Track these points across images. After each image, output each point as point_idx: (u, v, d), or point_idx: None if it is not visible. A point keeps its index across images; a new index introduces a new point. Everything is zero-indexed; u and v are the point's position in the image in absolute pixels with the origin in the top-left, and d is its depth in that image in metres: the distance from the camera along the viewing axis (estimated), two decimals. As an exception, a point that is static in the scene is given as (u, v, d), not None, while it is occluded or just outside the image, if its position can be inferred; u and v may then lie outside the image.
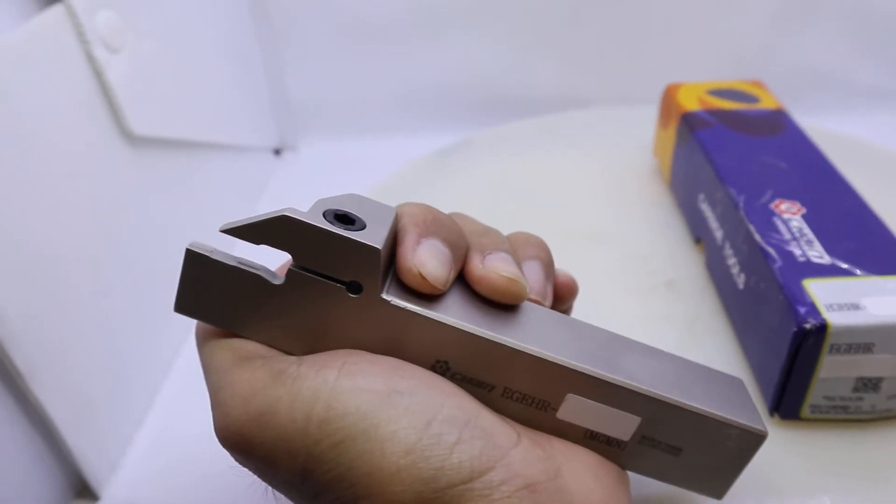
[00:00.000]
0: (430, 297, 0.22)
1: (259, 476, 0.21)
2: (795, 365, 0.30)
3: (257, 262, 0.21)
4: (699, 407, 0.23)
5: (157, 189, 0.41)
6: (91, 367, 0.34)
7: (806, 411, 0.31)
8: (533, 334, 0.23)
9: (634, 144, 0.53)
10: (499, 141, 0.55)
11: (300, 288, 0.21)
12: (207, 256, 0.21)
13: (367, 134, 0.61)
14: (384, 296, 0.21)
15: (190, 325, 0.43)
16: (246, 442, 0.20)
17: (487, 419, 0.21)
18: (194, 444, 0.37)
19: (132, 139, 0.39)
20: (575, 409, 0.23)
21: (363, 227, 0.21)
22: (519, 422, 0.23)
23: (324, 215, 0.20)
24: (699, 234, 0.42)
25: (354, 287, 0.21)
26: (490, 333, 0.22)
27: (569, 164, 0.52)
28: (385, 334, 0.21)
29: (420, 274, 0.21)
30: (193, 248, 0.21)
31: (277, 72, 0.59)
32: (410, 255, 0.21)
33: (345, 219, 0.21)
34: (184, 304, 0.22)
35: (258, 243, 0.20)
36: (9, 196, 0.29)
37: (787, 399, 0.31)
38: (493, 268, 0.22)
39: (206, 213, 0.48)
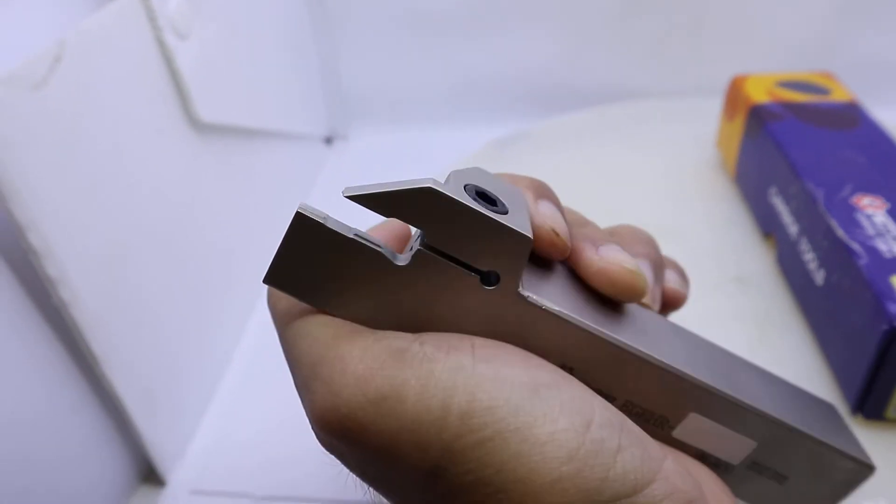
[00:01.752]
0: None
1: (361, 470, 0.19)
2: (883, 364, 0.29)
3: (375, 237, 0.18)
4: (816, 435, 0.21)
5: (219, 177, 0.41)
6: (159, 353, 0.34)
7: (891, 412, 0.30)
8: (654, 342, 0.20)
9: (694, 137, 0.52)
10: (555, 132, 0.54)
11: (426, 271, 0.18)
12: (321, 224, 0.18)
13: (419, 124, 0.60)
14: (522, 291, 0.18)
15: (251, 308, 0.43)
16: (360, 429, 0.17)
17: (633, 425, 0.19)
18: (258, 429, 0.37)
19: (199, 126, 0.39)
20: (693, 428, 0.21)
21: (506, 210, 0.18)
22: None
23: (465, 190, 0.18)
24: (769, 228, 0.41)
25: (490, 278, 0.18)
26: (622, 340, 0.19)
27: (628, 157, 0.51)
28: (510, 331, 0.19)
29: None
30: (305, 213, 0.18)
31: (331, 60, 0.59)
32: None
33: (486, 198, 0.18)
34: (278, 276, 0.19)
35: (389, 216, 0.17)
36: (83, 182, 0.29)
37: (873, 399, 0.30)
38: (613, 259, 0.20)
39: (262, 200, 0.48)
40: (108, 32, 0.31)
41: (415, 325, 0.19)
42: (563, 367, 0.19)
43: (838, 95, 0.44)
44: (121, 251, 0.31)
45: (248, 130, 0.46)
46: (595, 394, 0.19)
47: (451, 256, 0.18)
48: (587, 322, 0.19)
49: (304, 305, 0.19)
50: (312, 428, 0.18)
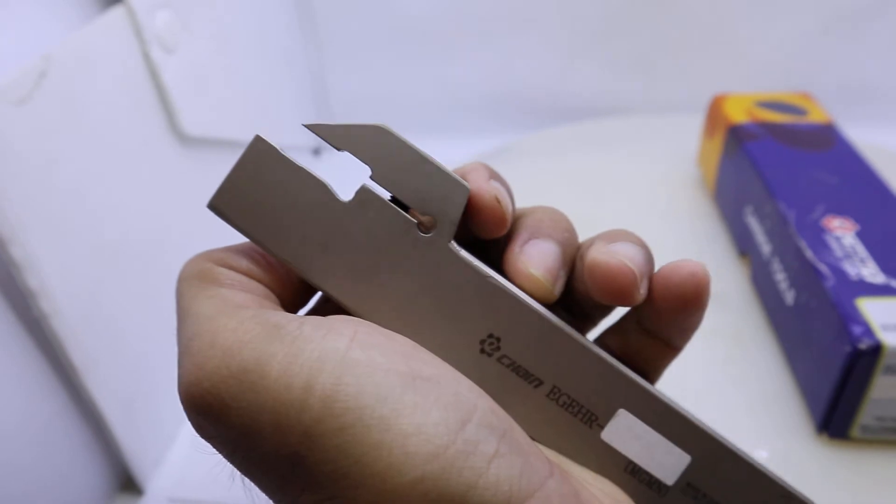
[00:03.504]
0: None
1: (229, 453, 0.17)
2: (847, 385, 0.30)
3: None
4: (755, 461, 0.20)
5: (204, 189, 0.42)
6: (140, 363, 0.35)
7: (856, 431, 0.31)
8: (592, 337, 0.20)
9: (677, 153, 0.52)
10: (539, 146, 0.55)
11: (367, 210, 0.18)
12: (276, 150, 0.18)
13: (407, 135, 0.61)
14: (453, 245, 0.18)
15: None
16: (221, 405, 0.16)
17: (522, 434, 0.17)
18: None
19: (184, 139, 0.39)
20: (623, 430, 0.20)
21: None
22: (556, 439, 0.19)
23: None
24: (745, 247, 0.41)
25: (425, 226, 0.18)
26: (549, 314, 0.19)
27: (610, 172, 0.51)
28: (440, 290, 0.19)
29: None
30: (263, 138, 0.18)
31: (320, 71, 0.60)
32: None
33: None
34: (223, 200, 0.19)
35: (340, 148, 0.18)
36: (66, 195, 0.30)
37: (837, 418, 0.31)
38: (527, 260, 0.19)
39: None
40: (95, 47, 0.32)
41: (354, 277, 0.19)
42: (490, 336, 0.19)
43: (815, 116, 0.45)
44: (103, 263, 0.32)
45: (234, 143, 0.46)
46: (487, 397, 0.17)
47: (393, 198, 0.18)
48: (518, 290, 0.19)
49: (203, 276, 0.19)
50: (182, 407, 0.17)
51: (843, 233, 0.34)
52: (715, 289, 0.40)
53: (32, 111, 0.28)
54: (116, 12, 0.34)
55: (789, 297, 0.35)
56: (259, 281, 0.19)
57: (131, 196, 0.34)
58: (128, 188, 0.34)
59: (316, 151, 0.61)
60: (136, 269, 0.34)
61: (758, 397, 0.34)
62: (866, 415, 0.30)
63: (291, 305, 0.20)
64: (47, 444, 0.31)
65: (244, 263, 0.19)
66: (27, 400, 0.30)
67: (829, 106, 0.48)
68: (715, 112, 0.47)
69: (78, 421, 0.33)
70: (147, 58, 0.35)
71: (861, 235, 0.34)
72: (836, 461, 0.31)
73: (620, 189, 0.50)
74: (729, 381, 0.35)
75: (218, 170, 0.44)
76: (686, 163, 0.51)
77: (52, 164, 0.29)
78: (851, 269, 0.32)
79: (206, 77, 0.41)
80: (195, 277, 0.18)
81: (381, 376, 0.16)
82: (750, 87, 0.51)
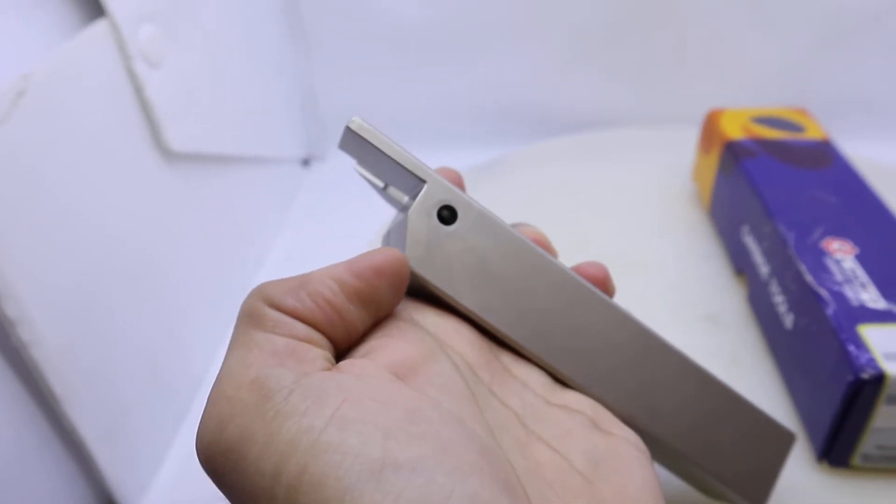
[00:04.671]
0: None
1: None
2: (849, 414, 0.29)
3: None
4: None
5: (191, 205, 0.41)
6: (124, 388, 0.34)
7: (857, 460, 0.30)
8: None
9: (672, 167, 0.52)
10: (533, 159, 0.54)
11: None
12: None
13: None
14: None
15: (219, 344, 0.43)
16: (216, 476, 0.17)
17: None
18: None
19: (169, 155, 0.38)
20: None
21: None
22: None
23: None
24: (742, 266, 0.41)
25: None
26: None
27: (604, 185, 0.51)
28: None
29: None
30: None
31: (309, 81, 0.59)
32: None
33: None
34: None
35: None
36: (47, 218, 0.29)
37: (838, 447, 0.30)
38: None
39: (236, 225, 0.47)
40: (76, 63, 0.31)
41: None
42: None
43: (812, 133, 0.44)
44: (87, 288, 0.31)
45: (222, 157, 0.45)
46: (475, 471, 0.16)
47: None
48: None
49: (251, 316, 0.19)
50: None
51: (842, 255, 0.34)
52: (711, 309, 0.40)
53: (10, 132, 0.27)
54: (99, 27, 0.33)
55: (788, 320, 0.34)
56: (304, 320, 0.19)
57: (115, 216, 0.33)
58: (111, 208, 0.33)
59: (305, 162, 0.60)
60: (122, 292, 0.33)
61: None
62: (867, 444, 0.30)
63: (343, 342, 0.20)
64: (27, 474, 0.30)
65: (290, 302, 0.19)
66: (5, 429, 0.29)
67: (824, 119, 0.48)
68: (710, 127, 0.47)
69: (59, 450, 0.32)
70: (131, 73, 0.34)
71: (861, 259, 0.34)
72: (836, 490, 0.31)
73: (614, 202, 0.49)
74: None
75: (205, 185, 0.43)
76: (681, 177, 0.51)
77: (32, 185, 0.28)
78: (852, 295, 0.32)
79: (192, 91, 0.40)
80: (245, 316, 0.19)
81: (349, 464, 0.15)
82: (746, 100, 0.50)
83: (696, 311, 0.40)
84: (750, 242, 0.39)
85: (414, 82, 0.59)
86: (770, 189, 0.39)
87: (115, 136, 0.34)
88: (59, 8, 0.33)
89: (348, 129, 0.22)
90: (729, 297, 0.41)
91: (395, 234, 0.23)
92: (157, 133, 0.37)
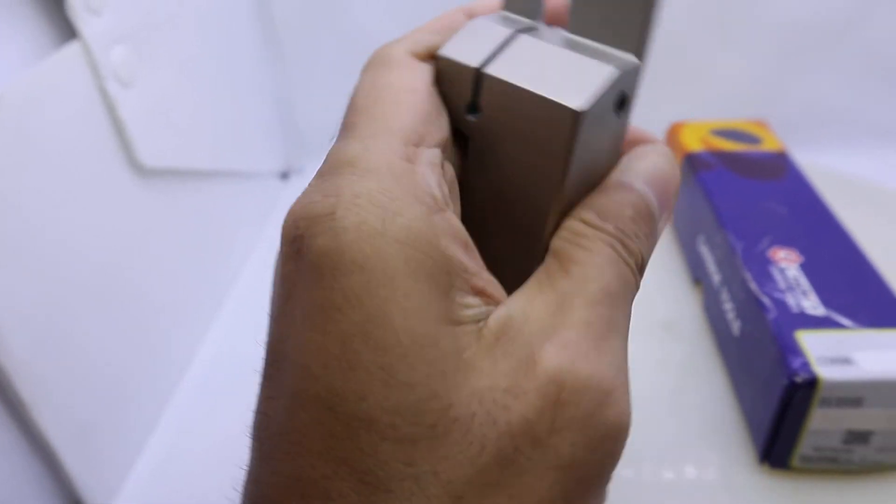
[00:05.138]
0: None
1: None
2: (786, 416, 0.30)
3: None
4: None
5: (165, 218, 0.42)
6: (93, 394, 0.35)
7: (796, 461, 0.32)
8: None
9: (638, 180, 0.53)
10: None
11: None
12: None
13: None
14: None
15: (190, 357, 0.44)
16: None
17: None
18: (194, 470, 0.38)
19: (142, 171, 0.40)
20: None
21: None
22: None
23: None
24: (698, 275, 0.42)
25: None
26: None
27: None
28: None
29: None
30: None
31: (286, 95, 0.60)
32: None
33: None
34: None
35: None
36: (16, 234, 0.30)
37: (777, 448, 0.31)
38: None
39: (213, 239, 0.48)
40: (48, 84, 0.32)
41: None
42: None
43: (769, 145, 0.46)
44: (56, 300, 0.32)
45: (198, 172, 0.47)
46: None
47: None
48: None
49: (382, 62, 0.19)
50: None
51: (787, 264, 0.35)
52: (668, 317, 0.41)
53: (-20, 151, 0.28)
54: (71, 49, 0.34)
55: (735, 327, 0.35)
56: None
57: (87, 231, 0.35)
58: (83, 223, 0.34)
59: (284, 175, 0.61)
60: (93, 304, 0.35)
61: (705, 426, 0.35)
62: (805, 445, 0.31)
63: None
64: (-3, 477, 0.31)
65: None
66: (-25, 435, 0.30)
67: (785, 131, 0.49)
68: (672, 140, 0.48)
69: (27, 455, 0.33)
70: (103, 92, 0.36)
71: (805, 267, 0.35)
72: (776, 491, 0.32)
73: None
74: (679, 409, 0.36)
75: (181, 200, 0.44)
76: (647, 189, 0.52)
77: (1, 204, 0.29)
78: (793, 302, 0.33)
79: (166, 108, 0.41)
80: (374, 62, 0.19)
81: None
82: (710, 114, 0.51)
83: (653, 318, 0.41)
84: (705, 252, 0.41)
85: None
86: (723, 200, 0.40)
87: (88, 153, 0.35)
88: (31, 31, 0.34)
89: None
90: (686, 306, 0.42)
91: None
92: (130, 150, 0.38)
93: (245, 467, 0.17)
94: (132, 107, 0.38)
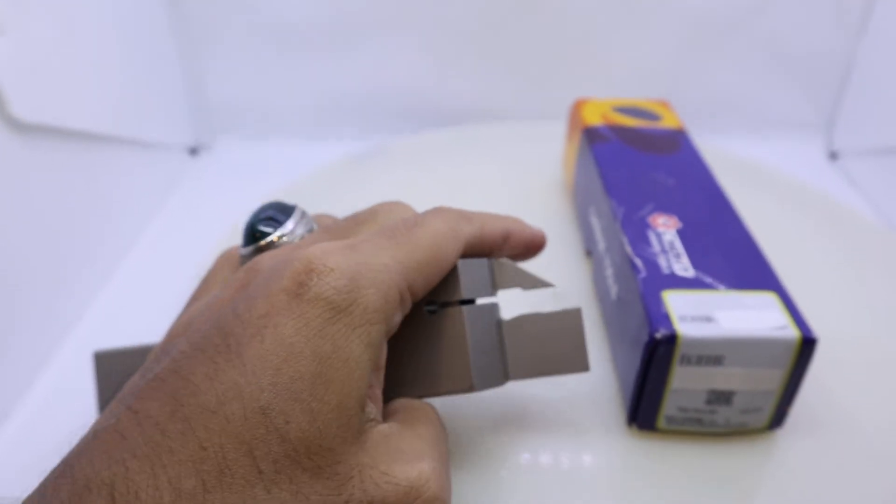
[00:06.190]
0: None
1: None
2: (649, 375, 0.30)
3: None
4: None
5: (47, 181, 0.41)
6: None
7: (662, 422, 0.31)
8: None
9: (545, 158, 0.53)
10: (414, 149, 0.55)
11: None
12: None
13: (288, 138, 0.61)
14: None
15: (52, 347, 0.42)
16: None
17: None
18: (58, 447, 0.36)
19: (19, 126, 0.38)
20: None
21: None
22: None
23: None
24: (589, 246, 0.42)
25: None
26: None
27: (479, 176, 0.52)
28: None
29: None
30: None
31: (196, 70, 0.59)
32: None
33: None
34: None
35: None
36: None
37: (644, 409, 0.31)
38: None
39: (103, 208, 0.47)
40: None
41: None
42: None
43: (668, 122, 0.46)
44: None
45: (91, 135, 0.45)
46: None
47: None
48: None
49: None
50: None
51: (665, 229, 0.35)
52: (559, 288, 0.40)
53: None
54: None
55: (613, 291, 0.35)
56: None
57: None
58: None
59: (193, 151, 0.60)
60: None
61: (586, 393, 0.35)
62: (669, 406, 0.31)
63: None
64: None
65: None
66: None
67: (688, 116, 0.49)
68: (574, 116, 0.48)
69: None
70: (-32, 38, 0.34)
71: (682, 233, 0.35)
72: (642, 453, 0.31)
73: (486, 193, 0.50)
74: (564, 380, 0.35)
75: (67, 162, 0.42)
76: (553, 167, 0.52)
77: None
78: (664, 264, 0.33)
79: (44, 60, 0.40)
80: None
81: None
82: (619, 95, 0.52)
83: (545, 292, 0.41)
84: (595, 223, 0.40)
85: (301, 75, 0.60)
86: (613, 170, 0.40)
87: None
88: None
89: None
90: (577, 277, 0.42)
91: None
92: (2, 101, 0.36)
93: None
94: (4, 54, 0.36)
